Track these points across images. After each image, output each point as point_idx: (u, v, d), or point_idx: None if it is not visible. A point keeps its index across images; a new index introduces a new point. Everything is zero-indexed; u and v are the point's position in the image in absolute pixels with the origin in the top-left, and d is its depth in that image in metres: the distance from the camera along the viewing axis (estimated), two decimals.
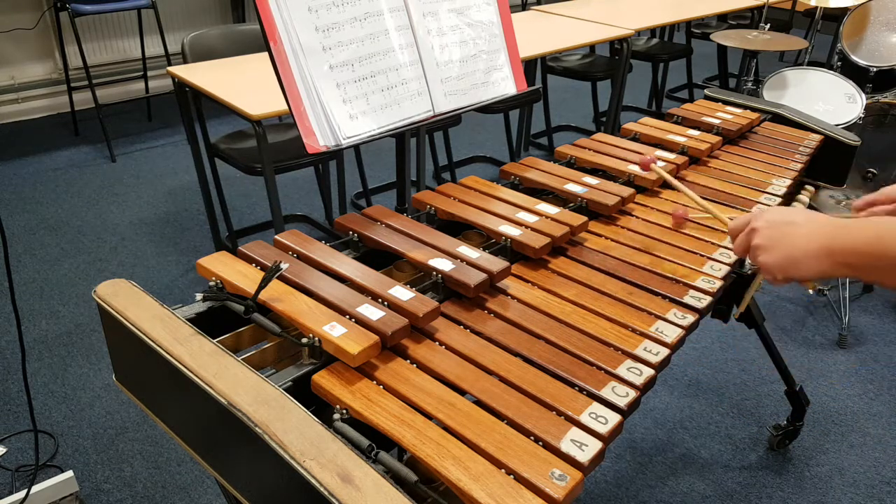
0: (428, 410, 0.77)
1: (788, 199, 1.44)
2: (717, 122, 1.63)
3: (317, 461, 0.66)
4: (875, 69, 2.91)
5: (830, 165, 1.67)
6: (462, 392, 0.80)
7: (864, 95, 2.62)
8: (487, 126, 4.12)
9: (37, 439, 1.67)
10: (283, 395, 0.74)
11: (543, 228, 1.13)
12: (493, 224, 1.14)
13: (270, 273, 0.88)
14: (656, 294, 1.03)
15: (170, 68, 2.29)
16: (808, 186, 1.62)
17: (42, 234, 2.88)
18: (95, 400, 2.01)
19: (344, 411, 0.77)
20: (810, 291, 2.50)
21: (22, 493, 1.63)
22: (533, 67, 3.51)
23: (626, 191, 1.28)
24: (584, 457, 0.72)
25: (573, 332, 0.93)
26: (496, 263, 1.01)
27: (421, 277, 1.06)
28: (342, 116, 1.16)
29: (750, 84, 3.07)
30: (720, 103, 1.79)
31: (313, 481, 0.65)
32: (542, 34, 2.96)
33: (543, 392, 0.81)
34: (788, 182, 1.42)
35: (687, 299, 1.02)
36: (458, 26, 1.35)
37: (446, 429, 0.75)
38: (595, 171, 1.41)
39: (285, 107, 1.16)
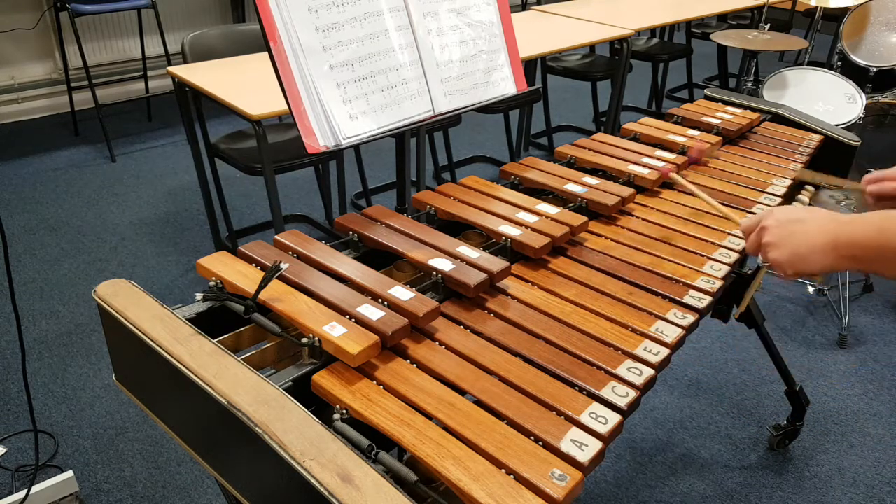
0: (428, 410, 0.77)
1: (788, 199, 1.44)
2: (717, 122, 1.63)
3: (317, 461, 0.66)
4: (875, 69, 2.91)
5: (830, 165, 1.67)
6: (462, 392, 0.80)
7: (863, 95, 2.63)
8: (487, 126, 4.12)
9: (37, 439, 1.67)
10: (283, 395, 0.74)
11: (543, 228, 1.13)
12: (493, 224, 1.14)
13: (270, 273, 0.88)
14: (656, 294, 1.03)
15: (170, 68, 2.29)
16: (807, 186, 1.62)
17: (42, 234, 2.88)
18: (95, 400, 2.01)
19: (344, 411, 0.77)
20: (818, 285, 2.52)
21: (22, 493, 1.63)
22: (533, 67, 3.51)
23: (626, 191, 1.28)
24: (584, 457, 0.72)
25: (573, 332, 0.93)
26: (496, 263, 1.01)
27: (421, 277, 1.06)
28: (342, 116, 1.16)
29: (750, 84, 3.07)
30: (720, 103, 1.80)
31: (313, 481, 0.65)
32: (542, 34, 2.96)
33: (543, 392, 0.81)
34: (788, 182, 1.43)
35: (687, 299, 1.02)
36: (458, 26, 1.35)
37: (446, 429, 0.75)
38: (595, 171, 1.41)
39: (285, 107, 1.16)
